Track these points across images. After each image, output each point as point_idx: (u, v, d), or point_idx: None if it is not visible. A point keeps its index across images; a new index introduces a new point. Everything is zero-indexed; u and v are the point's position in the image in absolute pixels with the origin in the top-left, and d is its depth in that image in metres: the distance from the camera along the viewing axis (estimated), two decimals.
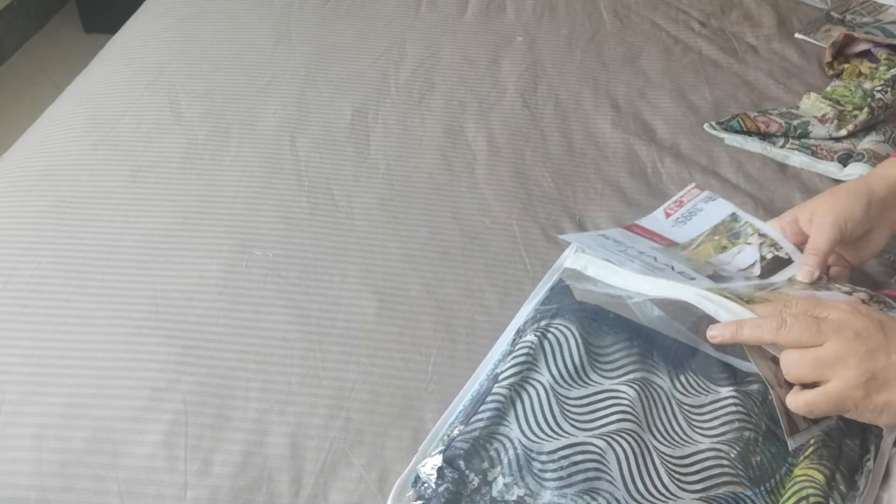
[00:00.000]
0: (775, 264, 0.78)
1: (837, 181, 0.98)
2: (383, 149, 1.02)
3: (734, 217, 0.84)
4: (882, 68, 1.14)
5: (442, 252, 0.87)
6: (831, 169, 0.99)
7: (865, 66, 1.16)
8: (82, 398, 0.72)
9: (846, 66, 1.17)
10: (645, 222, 0.86)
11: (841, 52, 1.19)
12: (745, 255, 0.79)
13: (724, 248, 0.80)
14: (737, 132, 1.05)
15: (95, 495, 0.66)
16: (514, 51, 1.22)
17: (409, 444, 0.69)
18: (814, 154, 1.01)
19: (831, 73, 1.18)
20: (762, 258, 0.78)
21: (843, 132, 1.03)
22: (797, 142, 1.03)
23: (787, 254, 0.78)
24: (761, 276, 0.77)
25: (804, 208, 0.79)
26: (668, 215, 0.87)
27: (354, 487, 0.67)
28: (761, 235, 0.80)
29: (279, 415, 0.71)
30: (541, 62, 1.20)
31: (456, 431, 0.65)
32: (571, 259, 0.81)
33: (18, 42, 2.35)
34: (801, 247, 0.78)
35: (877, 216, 0.76)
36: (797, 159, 1.01)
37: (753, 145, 1.03)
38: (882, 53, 1.15)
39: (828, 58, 1.18)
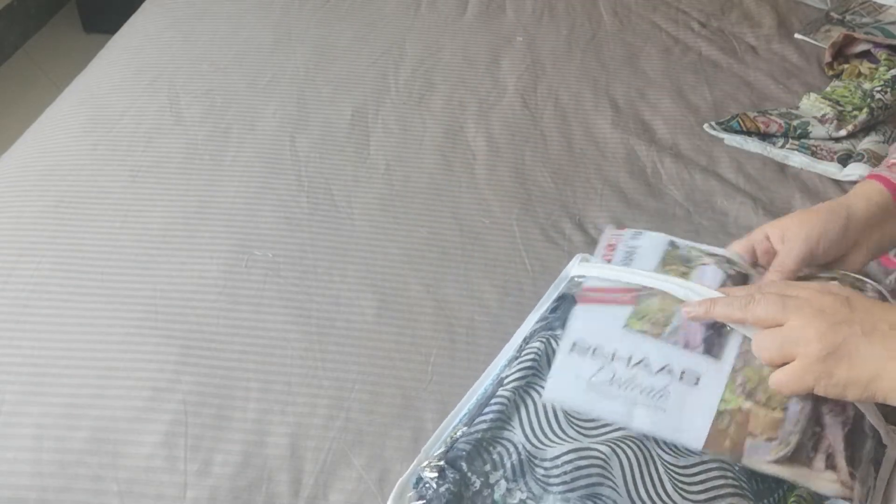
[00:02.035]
0: (741, 280, 0.70)
1: (837, 181, 0.98)
2: (383, 149, 1.02)
3: (673, 245, 0.74)
4: (882, 69, 1.14)
5: (442, 252, 0.87)
6: (831, 169, 0.99)
7: (865, 67, 1.16)
8: (82, 398, 0.72)
9: (846, 66, 1.17)
10: (594, 282, 0.72)
11: (841, 52, 1.19)
12: (710, 277, 0.69)
13: (685, 276, 0.70)
14: (737, 132, 1.05)
15: (95, 495, 0.66)
16: (514, 51, 1.22)
17: (409, 444, 0.69)
18: (813, 154, 1.01)
19: (831, 73, 1.18)
20: (727, 276, 0.69)
21: (843, 132, 1.03)
22: (797, 142, 1.03)
23: (744, 269, 0.71)
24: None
25: (776, 226, 0.73)
26: (609, 262, 0.75)
27: (354, 487, 0.67)
28: (710, 255, 0.71)
29: (279, 415, 0.71)
30: (541, 62, 1.20)
31: (459, 433, 0.65)
32: (577, 268, 0.76)
33: (18, 42, 2.35)
34: (768, 266, 0.71)
35: (855, 237, 0.71)
36: (797, 159, 1.01)
37: (753, 145, 1.03)
38: (882, 54, 1.15)
39: (828, 58, 1.18)
